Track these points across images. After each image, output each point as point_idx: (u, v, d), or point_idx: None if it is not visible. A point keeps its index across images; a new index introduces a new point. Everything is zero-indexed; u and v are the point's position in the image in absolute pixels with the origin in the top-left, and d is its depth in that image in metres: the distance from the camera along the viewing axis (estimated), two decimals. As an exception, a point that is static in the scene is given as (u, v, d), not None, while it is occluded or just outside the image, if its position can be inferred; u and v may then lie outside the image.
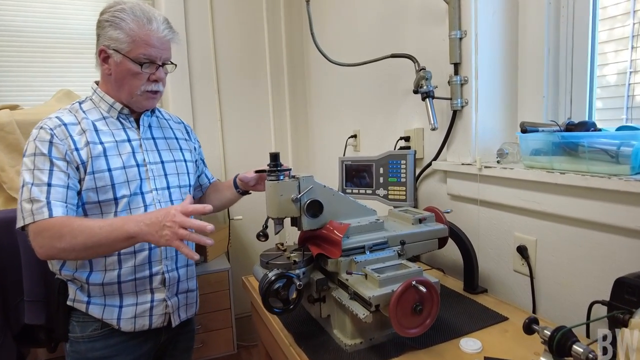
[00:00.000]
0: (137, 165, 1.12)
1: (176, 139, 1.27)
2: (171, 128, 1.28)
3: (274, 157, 0.92)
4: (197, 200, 1.44)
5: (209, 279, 1.88)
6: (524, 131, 1.02)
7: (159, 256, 1.14)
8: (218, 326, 1.93)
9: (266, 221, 1.04)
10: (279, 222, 0.95)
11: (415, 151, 1.32)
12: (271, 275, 0.84)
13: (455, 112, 1.30)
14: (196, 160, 1.34)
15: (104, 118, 1.13)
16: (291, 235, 2.38)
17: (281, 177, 0.92)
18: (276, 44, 2.40)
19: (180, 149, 1.26)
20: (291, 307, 0.86)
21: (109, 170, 1.07)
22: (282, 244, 1.02)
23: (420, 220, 1.04)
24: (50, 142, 1.03)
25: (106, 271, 1.10)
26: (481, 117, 1.26)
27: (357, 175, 1.41)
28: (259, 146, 2.41)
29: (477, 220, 1.26)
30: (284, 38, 2.39)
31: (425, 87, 1.25)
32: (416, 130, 1.48)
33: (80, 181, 1.06)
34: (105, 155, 1.08)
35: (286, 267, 0.90)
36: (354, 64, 1.52)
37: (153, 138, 1.20)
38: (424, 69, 1.28)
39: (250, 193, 1.37)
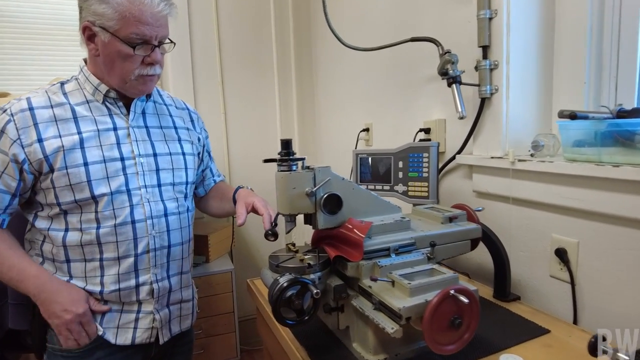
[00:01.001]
0: (122, 159, 0.99)
1: (175, 128, 1.13)
2: (170, 115, 1.14)
3: (286, 144, 0.80)
4: (198, 200, 1.31)
5: (211, 281, 1.77)
6: (573, 117, 0.90)
7: (146, 263, 1.02)
8: (220, 331, 1.81)
9: (275, 218, 0.92)
10: (291, 219, 0.83)
11: (438, 143, 1.20)
12: (283, 281, 0.72)
13: (483, 100, 1.17)
14: (199, 153, 1.20)
15: (88, 102, 1.00)
16: (297, 234, 2.26)
17: (294, 168, 0.80)
18: (283, 32, 2.28)
19: (179, 139, 1.12)
20: (306, 318, 0.74)
21: (85, 164, 0.94)
22: (293, 244, 0.90)
23: (451, 219, 0.92)
24: (2, 132, 0.92)
25: (87, 278, 0.99)
26: (512, 106, 1.14)
27: (373, 169, 1.29)
28: (264, 141, 2.29)
29: (509, 219, 1.14)
30: (292, 25, 2.26)
31: (451, 72, 1.13)
32: (437, 121, 1.36)
33: (36, 180, 0.95)
34: (82, 147, 0.95)
35: (299, 271, 0.78)
36: (371, 49, 1.39)
37: (146, 126, 1.06)
38: (449, 52, 1.16)
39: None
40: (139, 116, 1.06)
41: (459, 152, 1.28)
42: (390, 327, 0.69)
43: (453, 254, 0.91)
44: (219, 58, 2.17)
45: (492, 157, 1.15)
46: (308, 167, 0.82)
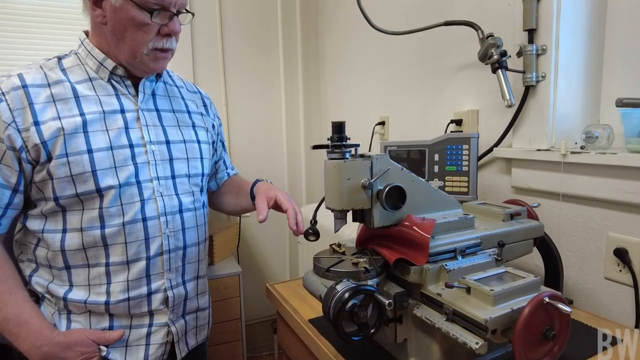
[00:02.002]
0: (131, 146, 0.86)
1: (188, 112, 1.01)
2: (183, 98, 1.02)
3: (339, 127, 0.69)
4: (210, 196, 1.18)
5: (217, 285, 1.63)
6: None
7: (160, 268, 0.89)
8: (226, 339, 1.68)
9: (314, 214, 0.81)
10: (342, 215, 0.71)
11: (478, 134, 1.11)
12: (342, 289, 0.61)
13: (527, 89, 1.08)
14: (214, 142, 1.09)
15: (91, 79, 0.86)
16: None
17: (347, 155, 0.69)
18: (290, 17, 2.15)
19: (193, 125, 1.00)
20: (372, 331, 0.63)
21: (89, 151, 0.81)
22: (339, 245, 0.78)
23: (512, 216, 0.83)
24: None
25: (90, 286, 0.85)
26: (560, 94, 1.05)
27: (403, 163, 1.19)
28: (268, 134, 2.17)
29: (556, 217, 1.05)
30: (298, 10, 2.13)
31: (496, 56, 1.04)
32: (470, 112, 1.27)
33: (33, 171, 0.81)
34: (86, 132, 0.81)
35: (354, 276, 0.67)
36: (400, 32, 1.29)
37: (157, 110, 0.93)
38: (492, 35, 1.07)
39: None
40: (148, 98, 0.93)
41: (496, 144, 1.19)
42: (474, 341, 0.58)
43: (516, 255, 0.82)
44: (221, 46, 2.03)
45: (537, 150, 1.06)
46: (362, 155, 0.71)
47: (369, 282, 0.67)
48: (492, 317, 0.58)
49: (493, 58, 1.04)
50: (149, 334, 0.89)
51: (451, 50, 1.34)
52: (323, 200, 0.80)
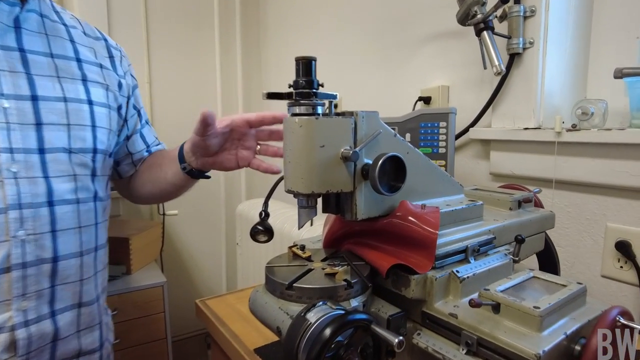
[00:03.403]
0: None
1: (78, 60, 0.71)
2: (72, 41, 0.71)
3: (307, 66, 0.45)
4: (124, 184, 0.88)
5: (136, 299, 1.32)
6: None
7: (4, 293, 0.60)
8: (147, 364, 1.37)
9: (265, 204, 0.57)
10: (309, 202, 0.48)
11: (456, 109, 0.93)
12: (320, 321, 0.38)
13: (512, 57, 0.93)
14: (120, 107, 0.79)
15: None
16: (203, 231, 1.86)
17: (319, 110, 0.46)
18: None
19: (84, 79, 0.71)
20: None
21: None
22: (301, 248, 0.55)
23: (520, 203, 0.65)
24: None
25: None
26: (549, 65, 0.91)
27: (369, 144, 0.99)
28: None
29: (549, 208, 0.90)
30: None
31: (480, 16, 0.87)
32: (440, 88, 1.09)
33: None
34: None
35: (332, 295, 0.44)
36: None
37: (21, 50, 0.64)
38: (474, -9, 0.90)
39: (207, 176, 0.78)
40: (6, 30, 0.62)
41: (472, 124, 1.03)
42: (520, 390, 0.38)
43: (528, 253, 0.64)
44: (145, 14, 1.69)
45: (525, 129, 0.91)
46: (339, 114, 0.48)
47: (353, 303, 0.45)
48: (546, 350, 0.38)
49: (477, 18, 0.87)
50: None
51: (416, 19, 1.17)
52: (276, 185, 0.57)
